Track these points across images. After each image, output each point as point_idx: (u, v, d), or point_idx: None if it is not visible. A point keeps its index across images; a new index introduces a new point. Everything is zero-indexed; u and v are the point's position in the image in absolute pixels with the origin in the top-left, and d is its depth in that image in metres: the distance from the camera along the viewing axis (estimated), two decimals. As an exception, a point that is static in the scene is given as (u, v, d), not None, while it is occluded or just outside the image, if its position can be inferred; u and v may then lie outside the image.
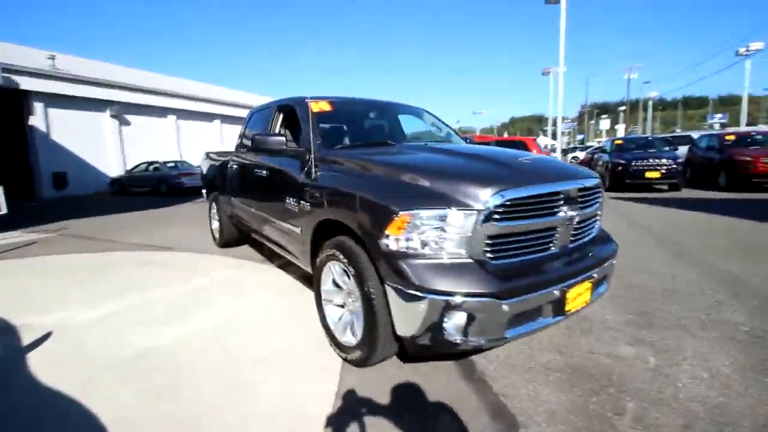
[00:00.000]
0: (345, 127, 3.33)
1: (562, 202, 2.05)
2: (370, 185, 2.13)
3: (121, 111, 19.66)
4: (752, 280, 3.52)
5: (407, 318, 1.85)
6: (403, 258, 1.84)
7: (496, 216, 1.83)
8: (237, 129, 35.05)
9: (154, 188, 15.33)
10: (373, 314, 2.01)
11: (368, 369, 2.25)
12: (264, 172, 3.40)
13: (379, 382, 2.16)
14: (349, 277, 2.27)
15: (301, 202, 2.65)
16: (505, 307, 1.77)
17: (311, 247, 2.65)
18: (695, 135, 15.08)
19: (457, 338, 1.78)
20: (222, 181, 4.87)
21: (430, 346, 1.89)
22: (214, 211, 5.48)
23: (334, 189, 2.33)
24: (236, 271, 4.26)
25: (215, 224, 5.53)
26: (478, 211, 1.79)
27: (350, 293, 2.30)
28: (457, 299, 1.73)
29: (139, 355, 2.49)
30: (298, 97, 3.36)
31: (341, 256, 2.20)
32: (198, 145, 23.27)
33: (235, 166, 4.25)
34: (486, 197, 1.80)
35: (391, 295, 1.89)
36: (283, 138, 2.89)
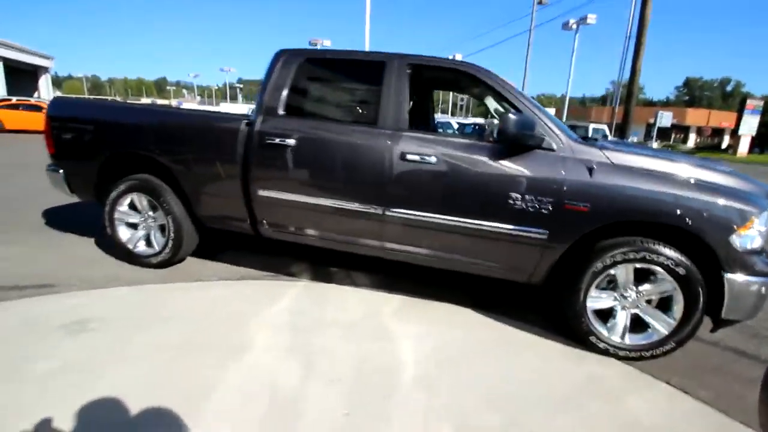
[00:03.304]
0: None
1: None
2: (708, 188, 2.31)
3: None
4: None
5: (745, 301, 2.26)
6: (747, 253, 2.25)
7: None
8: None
9: None
10: (698, 307, 2.30)
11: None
12: (439, 163, 2.64)
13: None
14: (635, 282, 2.44)
15: (571, 201, 2.43)
16: None
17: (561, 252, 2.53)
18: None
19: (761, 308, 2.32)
20: (206, 162, 3.07)
21: (740, 321, 2.38)
22: (123, 208, 3.30)
23: (649, 192, 2.33)
24: (357, 315, 2.76)
25: (128, 233, 3.36)
26: None
27: (630, 295, 2.46)
28: None
29: None
30: (468, 62, 2.85)
31: (663, 260, 2.30)
32: None
33: (296, 144, 2.83)
34: None
35: (731, 284, 2.24)
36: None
